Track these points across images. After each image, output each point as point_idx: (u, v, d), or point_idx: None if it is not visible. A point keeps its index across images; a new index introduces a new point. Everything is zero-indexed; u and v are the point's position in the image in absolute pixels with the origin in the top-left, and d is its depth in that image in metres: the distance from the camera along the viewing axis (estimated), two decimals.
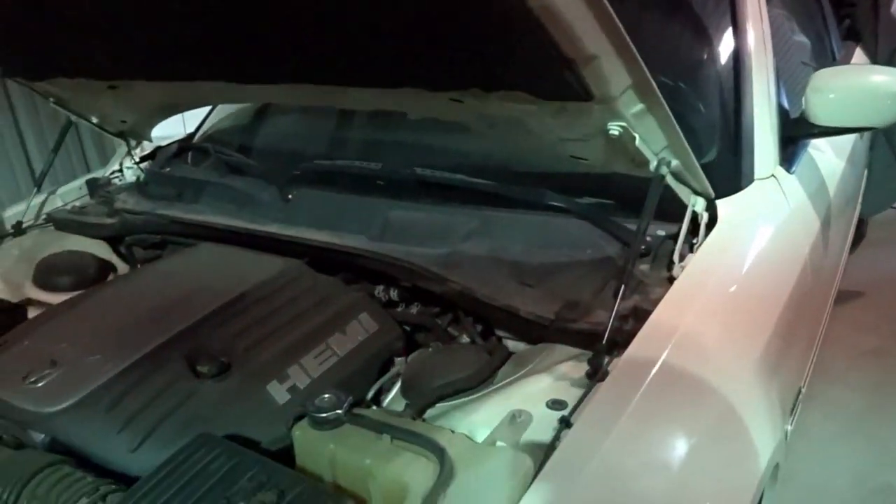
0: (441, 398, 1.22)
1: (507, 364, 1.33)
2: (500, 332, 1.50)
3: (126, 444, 1.11)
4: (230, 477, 0.96)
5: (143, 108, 2.07)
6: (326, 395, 1.07)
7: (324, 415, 1.05)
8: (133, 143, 2.30)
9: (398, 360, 1.41)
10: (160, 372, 1.21)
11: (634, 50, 1.03)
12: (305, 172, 1.88)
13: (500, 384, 1.22)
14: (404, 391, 1.29)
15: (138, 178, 2.27)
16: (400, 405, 1.27)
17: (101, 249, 2.04)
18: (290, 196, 1.83)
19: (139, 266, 2.01)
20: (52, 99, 2.04)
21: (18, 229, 2.04)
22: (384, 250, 1.54)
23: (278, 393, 1.24)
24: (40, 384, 1.19)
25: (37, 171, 4.30)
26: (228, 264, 1.62)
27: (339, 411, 1.05)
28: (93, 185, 2.24)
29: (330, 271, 1.60)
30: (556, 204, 1.52)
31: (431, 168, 1.69)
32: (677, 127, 1.21)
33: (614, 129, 1.20)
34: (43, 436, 1.17)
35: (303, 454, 1.07)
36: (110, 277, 1.95)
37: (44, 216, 2.15)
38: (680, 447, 1.06)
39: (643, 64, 1.05)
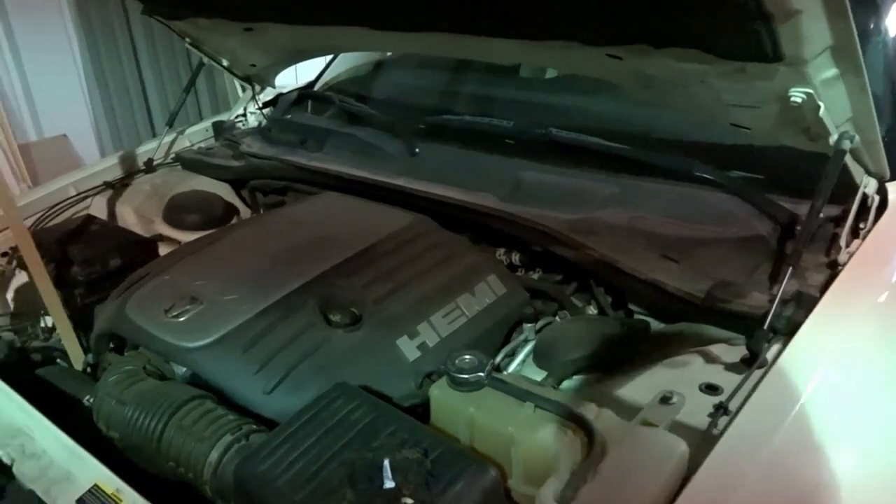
0: (579, 371, 1.16)
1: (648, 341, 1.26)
2: (631, 306, 1.43)
3: (261, 386, 1.11)
4: (371, 430, 0.94)
5: (274, 52, 2.06)
6: (468, 356, 1.03)
7: (465, 376, 1.01)
8: (258, 88, 2.32)
9: (527, 326, 1.36)
10: (295, 317, 1.21)
11: (848, 5, 0.91)
12: (432, 126, 1.84)
13: (645, 362, 1.15)
14: (538, 360, 1.24)
15: (260, 124, 2.29)
16: (527, 373, 1.23)
17: (224, 191, 2.07)
18: (416, 149, 1.79)
19: (262, 210, 2.03)
20: (187, 39, 2.07)
21: (149, 166, 2.10)
22: (515, 211, 1.48)
23: (408, 349, 1.22)
24: (182, 319, 1.21)
25: (154, 111, 4.48)
26: (356, 214, 1.60)
27: (481, 374, 1.01)
28: (218, 128, 2.27)
29: (454, 229, 1.56)
30: (704, 175, 1.42)
31: (564, 129, 1.61)
32: (871, 98, 1.08)
33: (797, 95, 1.08)
34: (184, 369, 1.19)
35: (439, 414, 1.04)
36: (234, 219, 1.98)
37: (172, 155, 2.19)
38: (850, 457, 0.96)
39: (853, 23, 0.93)
